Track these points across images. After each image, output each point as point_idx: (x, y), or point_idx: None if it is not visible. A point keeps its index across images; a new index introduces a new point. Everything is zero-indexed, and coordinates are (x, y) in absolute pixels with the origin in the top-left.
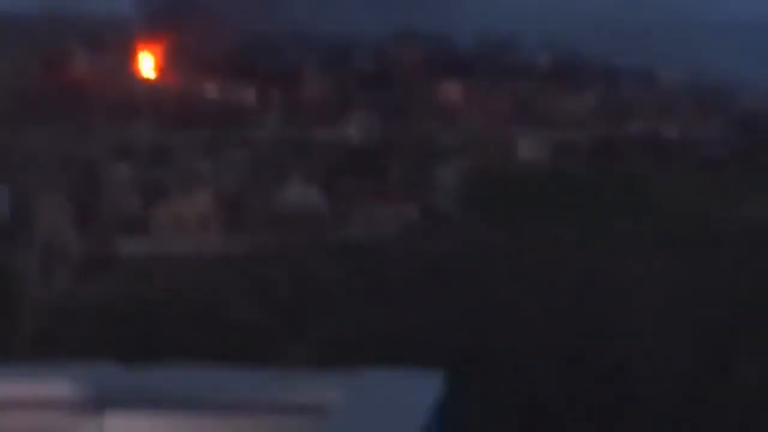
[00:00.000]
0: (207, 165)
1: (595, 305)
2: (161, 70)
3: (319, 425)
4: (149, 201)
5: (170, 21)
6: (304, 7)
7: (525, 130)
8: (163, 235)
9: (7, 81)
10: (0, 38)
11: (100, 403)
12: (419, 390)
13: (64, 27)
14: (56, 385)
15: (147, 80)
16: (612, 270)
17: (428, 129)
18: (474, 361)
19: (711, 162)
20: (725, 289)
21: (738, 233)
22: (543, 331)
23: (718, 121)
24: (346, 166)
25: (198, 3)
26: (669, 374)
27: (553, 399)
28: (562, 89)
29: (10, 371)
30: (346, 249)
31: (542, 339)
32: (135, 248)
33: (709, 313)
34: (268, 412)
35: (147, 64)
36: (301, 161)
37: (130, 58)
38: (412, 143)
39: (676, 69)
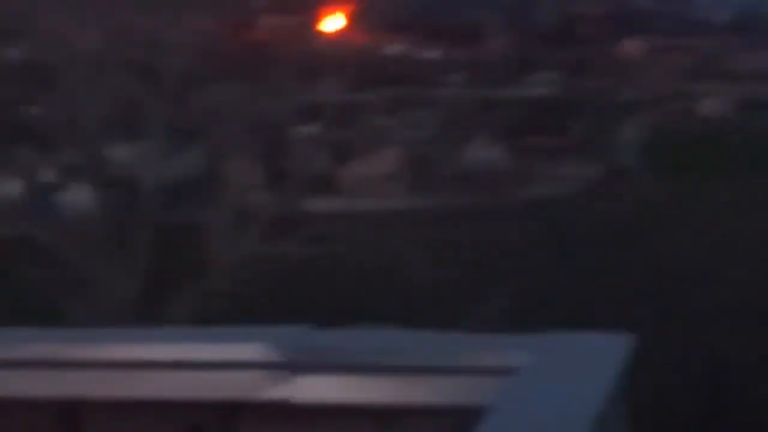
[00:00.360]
0: (393, 124)
1: None
2: (347, 28)
3: (505, 389)
4: (336, 160)
5: None
6: None
7: (706, 86)
8: (351, 194)
9: (196, 42)
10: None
11: (290, 365)
12: (607, 353)
13: None
14: (246, 348)
15: (333, 39)
16: None
17: (610, 85)
18: (660, 321)
19: None
20: None
21: None
22: (733, 291)
23: None
24: (529, 124)
25: None
26: None
27: (743, 365)
28: (742, 44)
29: (202, 334)
30: (531, 207)
31: (732, 299)
32: (323, 207)
33: None
34: (454, 374)
35: (333, 23)
36: (485, 119)
37: (316, 17)
38: (595, 100)
39: None
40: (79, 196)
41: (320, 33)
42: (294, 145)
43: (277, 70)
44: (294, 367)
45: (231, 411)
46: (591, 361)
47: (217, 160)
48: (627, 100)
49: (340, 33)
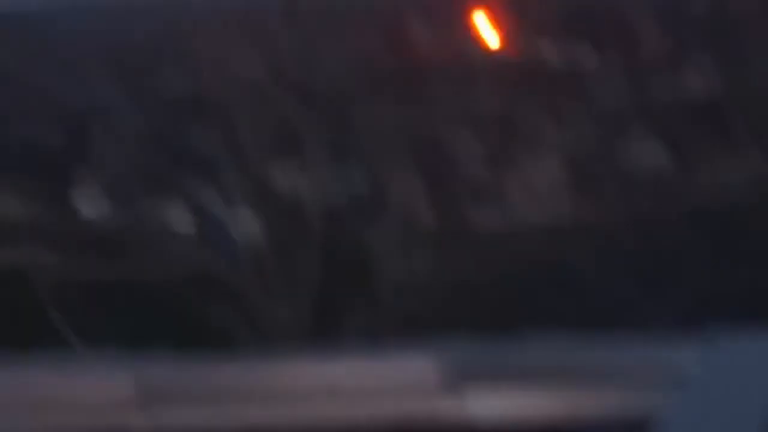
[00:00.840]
0: (552, 130)
1: None
2: (499, 34)
3: (681, 393)
4: (497, 170)
5: None
6: None
7: None
8: (513, 204)
9: (354, 61)
10: (337, 18)
11: (460, 380)
12: None
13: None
14: (415, 365)
15: (486, 47)
16: None
17: None
18: None
19: None
20: None
21: None
22: None
23: None
24: (690, 124)
25: None
26: None
27: None
28: None
29: (370, 353)
30: (699, 214)
31: None
32: (486, 219)
33: None
34: (628, 381)
35: (484, 30)
36: (644, 121)
37: (467, 24)
38: (760, 95)
39: None
40: (243, 223)
41: (476, 44)
42: (454, 158)
43: (434, 83)
44: (463, 381)
45: None
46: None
47: (380, 178)
48: None
49: (494, 39)
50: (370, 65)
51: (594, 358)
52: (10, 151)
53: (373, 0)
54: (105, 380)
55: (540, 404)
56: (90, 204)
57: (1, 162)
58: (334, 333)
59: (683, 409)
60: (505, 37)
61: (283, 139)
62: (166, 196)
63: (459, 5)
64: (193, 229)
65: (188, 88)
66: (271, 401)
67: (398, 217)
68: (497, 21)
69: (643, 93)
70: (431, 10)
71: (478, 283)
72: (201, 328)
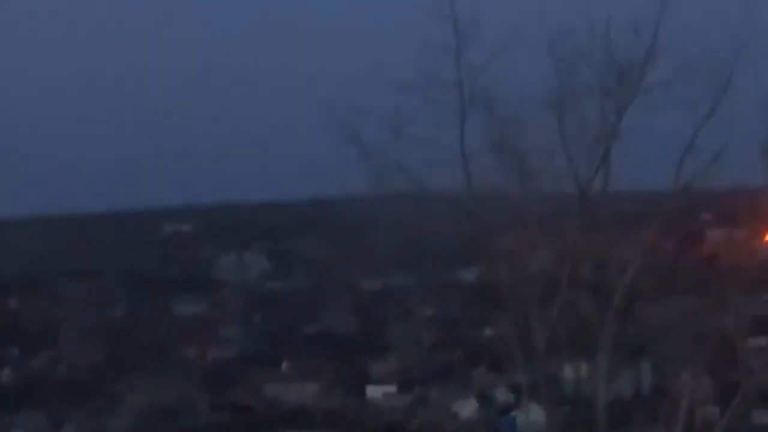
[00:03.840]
0: None
1: None
2: None
3: None
4: None
5: None
6: None
7: None
8: None
9: (642, 258)
10: (629, 219)
11: None
12: None
13: (695, 201)
14: None
15: None
16: None
17: None
18: None
19: None
20: None
21: None
22: None
23: None
24: None
25: None
26: None
27: None
28: None
29: None
30: None
31: None
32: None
33: None
34: None
35: None
36: None
37: (763, 229)
38: None
39: None
40: (531, 415)
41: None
42: (744, 358)
43: (723, 283)
44: None
45: None
46: None
47: (665, 376)
48: None
49: None
50: (660, 265)
51: None
52: (309, 338)
53: (665, 202)
54: None
55: None
56: (380, 389)
57: (300, 349)
58: None
59: None
60: None
61: (572, 334)
62: (453, 382)
63: (751, 208)
64: (477, 415)
65: (484, 281)
66: None
67: (682, 412)
68: None
69: None
70: (723, 212)
71: None
72: None
